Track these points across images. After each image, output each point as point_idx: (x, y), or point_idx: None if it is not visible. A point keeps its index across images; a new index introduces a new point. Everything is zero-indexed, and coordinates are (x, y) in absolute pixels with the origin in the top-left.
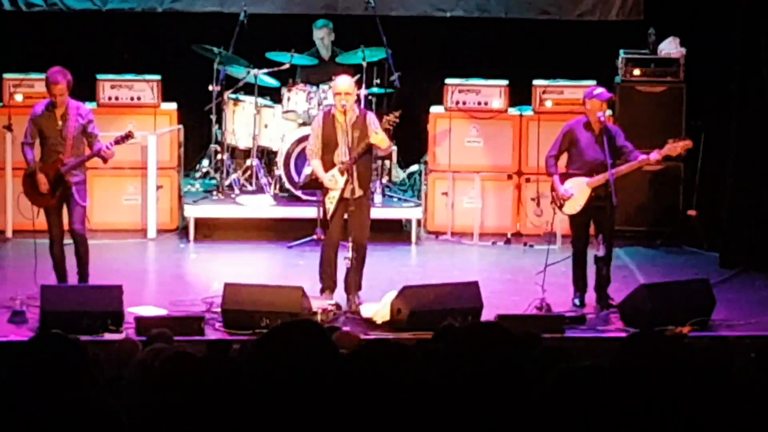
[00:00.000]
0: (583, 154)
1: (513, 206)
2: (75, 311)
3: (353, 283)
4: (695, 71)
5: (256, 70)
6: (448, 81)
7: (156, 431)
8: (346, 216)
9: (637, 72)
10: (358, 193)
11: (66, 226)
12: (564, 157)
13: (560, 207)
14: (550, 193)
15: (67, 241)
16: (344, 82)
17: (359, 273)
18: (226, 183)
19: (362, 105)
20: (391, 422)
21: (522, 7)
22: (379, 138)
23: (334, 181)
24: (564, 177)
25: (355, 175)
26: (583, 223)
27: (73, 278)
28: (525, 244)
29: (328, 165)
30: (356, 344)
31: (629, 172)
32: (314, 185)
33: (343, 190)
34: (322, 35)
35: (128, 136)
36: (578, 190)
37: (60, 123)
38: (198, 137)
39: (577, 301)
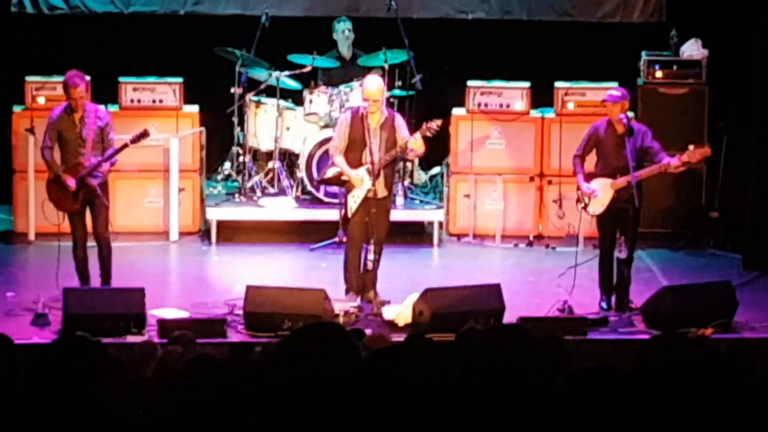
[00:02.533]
0: (606, 155)
1: (535, 208)
2: (97, 314)
3: (371, 280)
4: (718, 73)
5: (277, 73)
6: (470, 83)
7: None
8: (366, 217)
9: (659, 74)
10: (383, 193)
11: (90, 229)
12: (593, 158)
13: (585, 207)
14: (576, 193)
15: (90, 243)
16: (374, 86)
17: (376, 270)
18: (248, 185)
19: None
20: (412, 424)
21: (544, 9)
22: (417, 143)
23: (360, 180)
24: (590, 177)
25: (382, 176)
26: (608, 224)
27: (95, 281)
28: (547, 246)
29: (354, 163)
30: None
31: (650, 176)
32: (335, 182)
33: (368, 191)
34: (342, 28)
35: (144, 134)
36: (602, 191)
37: (79, 126)
38: (220, 140)
39: (604, 305)
